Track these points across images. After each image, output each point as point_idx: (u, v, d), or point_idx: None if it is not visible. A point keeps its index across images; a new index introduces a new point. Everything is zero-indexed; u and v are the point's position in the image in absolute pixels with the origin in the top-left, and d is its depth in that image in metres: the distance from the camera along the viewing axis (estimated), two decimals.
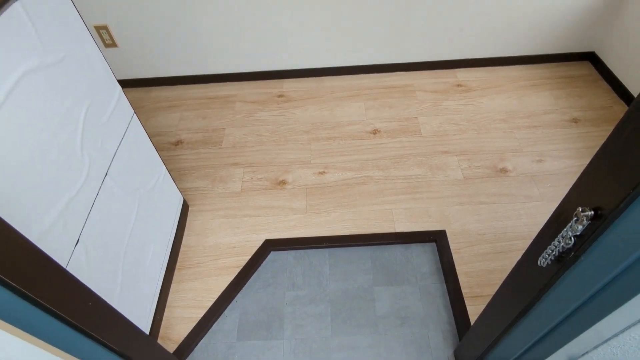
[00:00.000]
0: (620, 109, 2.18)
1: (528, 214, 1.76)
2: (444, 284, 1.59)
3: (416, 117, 2.21)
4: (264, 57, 2.39)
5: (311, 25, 2.24)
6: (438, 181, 1.91)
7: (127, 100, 1.36)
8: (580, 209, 0.62)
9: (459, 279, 1.58)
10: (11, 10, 0.86)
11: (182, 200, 1.81)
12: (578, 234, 0.64)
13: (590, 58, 2.48)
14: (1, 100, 0.83)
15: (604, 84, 2.34)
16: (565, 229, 0.66)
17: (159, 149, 2.03)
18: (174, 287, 1.62)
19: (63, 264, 0.97)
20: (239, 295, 1.61)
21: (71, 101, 1.06)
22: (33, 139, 0.91)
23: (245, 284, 1.63)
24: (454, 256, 1.65)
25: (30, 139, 0.90)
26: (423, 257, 1.68)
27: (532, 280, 0.82)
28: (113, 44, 2.26)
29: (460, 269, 1.61)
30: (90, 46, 1.16)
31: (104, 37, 2.21)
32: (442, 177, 1.92)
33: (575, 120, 2.14)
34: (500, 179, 1.90)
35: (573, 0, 2.19)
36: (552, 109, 2.21)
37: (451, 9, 2.20)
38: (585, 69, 2.45)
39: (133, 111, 1.41)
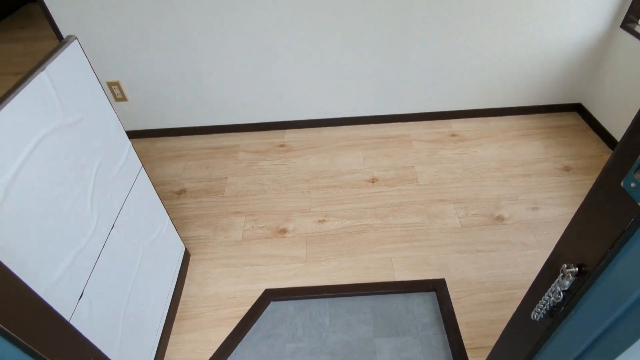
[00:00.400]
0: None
1: (526, 262, 1.77)
2: (445, 335, 1.58)
3: (413, 166, 2.29)
4: (266, 108, 2.51)
5: (311, 79, 2.37)
6: (436, 229, 1.94)
7: (135, 154, 1.43)
8: (565, 266, 0.65)
9: (460, 330, 1.57)
10: (37, 79, 0.94)
11: (184, 249, 1.83)
12: (566, 289, 0.67)
13: (578, 109, 2.60)
14: (22, 161, 0.88)
15: (592, 134, 2.43)
16: (553, 284, 0.69)
17: (163, 198, 2.09)
18: (173, 338, 1.61)
19: (67, 317, 0.99)
20: (239, 347, 1.59)
21: (85, 158, 1.12)
22: (48, 196, 0.97)
23: (244, 335, 1.62)
24: (455, 305, 1.64)
25: (45, 196, 0.96)
26: (423, 306, 1.67)
27: (527, 333, 0.83)
28: (123, 98, 2.39)
29: (461, 319, 1.60)
30: (105, 106, 1.24)
31: (115, 92, 2.34)
32: (440, 225, 1.95)
33: (567, 169, 2.21)
34: (497, 226, 1.93)
35: (558, 56, 2.34)
36: (544, 158, 2.29)
37: (444, 64, 2.34)
38: (573, 119, 2.57)
39: (141, 164, 1.47)
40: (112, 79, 2.30)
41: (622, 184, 0.55)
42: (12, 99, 0.87)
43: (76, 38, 1.10)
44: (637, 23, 2.15)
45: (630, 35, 2.15)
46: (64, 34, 2.12)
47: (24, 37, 4.03)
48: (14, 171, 0.86)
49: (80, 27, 2.09)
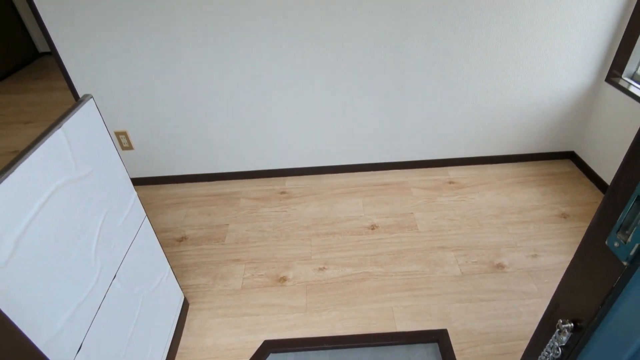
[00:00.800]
0: None
1: (528, 311, 1.75)
2: None
3: (412, 213, 2.31)
4: (267, 156, 2.58)
5: (311, 128, 2.46)
6: (436, 277, 1.93)
7: (140, 204, 1.46)
8: (561, 321, 0.67)
9: None
10: (54, 136, 1.00)
11: (183, 298, 1.81)
12: (563, 344, 0.68)
13: (571, 156, 2.68)
14: (33, 215, 0.92)
15: (586, 181, 2.49)
16: (551, 340, 0.70)
17: (163, 245, 2.10)
18: None
19: None
20: None
21: (93, 210, 1.15)
22: (55, 248, 0.99)
23: None
24: (458, 357, 1.60)
25: (52, 248, 0.98)
26: (426, 358, 1.63)
27: None
28: (130, 147, 2.46)
29: None
30: (114, 159, 1.29)
31: (123, 141, 2.42)
32: (440, 273, 1.95)
33: (564, 216, 2.24)
34: (498, 275, 1.93)
35: (549, 107, 2.44)
36: (541, 205, 2.32)
37: (440, 114, 2.44)
38: (567, 166, 2.63)
39: (145, 214, 1.50)
40: (120, 128, 2.39)
41: (606, 242, 0.58)
42: (29, 155, 0.92)
43: (92, 97, 1.17)
44: (620, 77, 2.27)
45: (614, 89, 2.26)
46: (77, 87, 2.23)
47: (38, 87, 4.22)
48: (24, 225, 0.89)
49: (92, 79, 2.21)
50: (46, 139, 0.98)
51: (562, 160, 2.69)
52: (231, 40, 2.10)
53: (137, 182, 2.63)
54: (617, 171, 0.55)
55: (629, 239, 0.54)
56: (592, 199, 2.34)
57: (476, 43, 2.17)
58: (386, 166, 2.67)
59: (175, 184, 2.66)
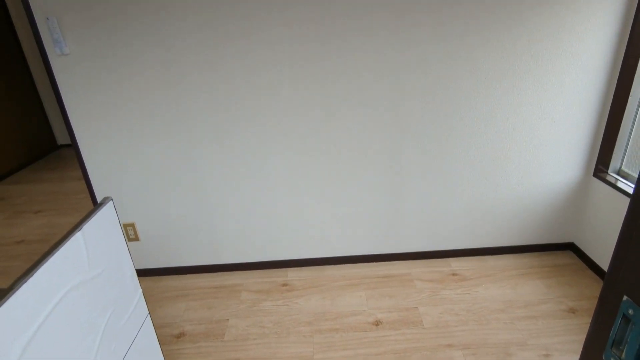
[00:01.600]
0: None
1: None
2: None
3: (416, 307, 2.27)
4: (269, 247, 2.61)
5: (312, 219, 2.53)
6: None
7: (144, 301, 1.47)
8: None
9: None
10: (74, 239, 1.06)
11: None
12: None
13: (571, 247, 2.70)
14: (43, 319, 0.94)
15: (590, 273, 2.48)
16: None
17: (162, 342, 2.03)
18: None
19: None
20: None
21: (99, 310, 1.17)
22: (61, 349, 0.99)
23: None
24: None
25: (58, 349, 0.98)
26: None
27: None
28: (136, 239, 2.51)
29: None
30: (125, 257, 1.34)
31: (129, 233, 2.48)
32: None
33: (572, 311, 2.19)
34: None
35: (543, 200, 2.54)
36: (547, 298, 2.29)
37: (439, 206, 2.53)
38: (569, 257, 2.64)
39: (147, 312, 1.50)
40: (129, 220, 2.47)
41: (603, 357, 0.60)
42: (47, 260, 0.97)
43: (111, 199, 1.26)
44: (607, 173, 2.40)
45: (603, 183, 2.37)
46: (92, 179, 2.36)
47: (52, 177, 4.41)
48: (34, 330, 0.91)
49: (108, 172, 2.34)
50: (65, 242, 1.03)
51: (562, 251, 2.71)
52: (239, 140, 2.28)
53: (139, 273, 2.63)
54: (602, 288, 0.60)
55: (623, 355, 0.56)
56: (598, 293, 2.31)
57: (468, 142, 2.34)
58: (388, 257, 2.68)
59: (177, 276, 2.65)
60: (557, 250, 2.71)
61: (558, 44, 2.13)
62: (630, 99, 2.19)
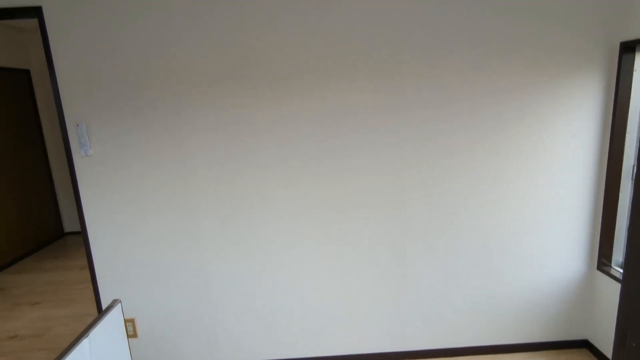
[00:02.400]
0: None
1: None
2: None
3: None
4: (270, 346, 2.52)
5: (315, 316, 2.47)
6: None
7: None
8: None
9: None
10: (79, 348, 1.06)
11: None
12: None
13: (586, 345, 2.58)
14: None
15: None
16: None
17: None
18: None
19: None
20: None
21: None
22: None
23: None
24: None
25: None
26: None
27: None
28: (134, 335, 2.44)
29: None
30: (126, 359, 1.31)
31: (128, 329, 2.42)
32: None
33: None
34: None
35: (550, 295, 2.50)
36: None
37: (444, 302, 2.48)
38: (585, 356, 2.51)
39: None
40: (129, 316, 2.42)
41: None
42: None
43: (120, 302, 1.28)
44: (610, 266, 2.40)
45: (607, 277, 2.36)
46: (97, 267, 2.36)
47: (54, 266, 4.39)
48: None
49: (115, 265, 2.37)
50: (70, 352, 1.04)
51: (578, 349, 2.59)
52: (246, 242, 2.34)
53: None
54: None
55: None
56: None
57: (468, 239, 2.39)
58: (394, 356, 2.56)
59: None
60: (571, 348, 2.59)
61: (545, 146, 2.30)
62: (620, 194, 2.29)
